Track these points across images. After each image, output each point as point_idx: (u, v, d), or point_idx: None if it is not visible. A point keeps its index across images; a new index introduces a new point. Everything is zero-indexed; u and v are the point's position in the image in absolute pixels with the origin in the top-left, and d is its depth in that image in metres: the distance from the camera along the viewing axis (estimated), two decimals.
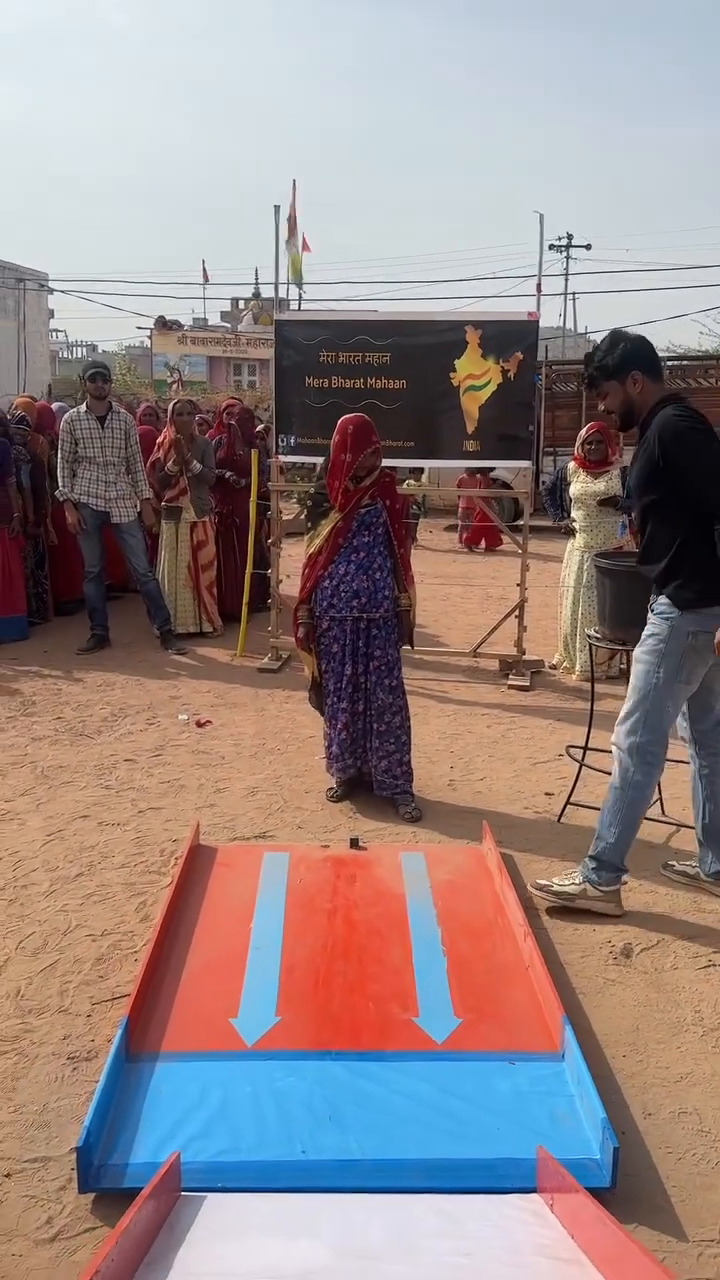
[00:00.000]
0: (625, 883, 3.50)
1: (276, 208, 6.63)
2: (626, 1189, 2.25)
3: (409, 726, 4.42)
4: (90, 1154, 2.21)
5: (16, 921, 3.39)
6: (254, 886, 3.56)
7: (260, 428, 8.80)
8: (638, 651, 3.35)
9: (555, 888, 3.48)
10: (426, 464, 10.34)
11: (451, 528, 14.21)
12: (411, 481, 12.71)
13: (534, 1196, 2.12)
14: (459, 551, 13.36)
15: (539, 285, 6.50)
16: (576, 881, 3.47)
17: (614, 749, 3.42)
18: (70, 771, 4.78)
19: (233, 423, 8.11)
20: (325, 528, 4.34)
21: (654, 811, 4.24)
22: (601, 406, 3.39)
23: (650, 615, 3.33)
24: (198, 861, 3.74)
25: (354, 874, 3.67)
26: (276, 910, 3.39)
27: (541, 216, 6.38)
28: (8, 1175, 2.27)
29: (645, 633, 3.33)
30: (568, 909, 3.46)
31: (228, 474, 7.62)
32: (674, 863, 3.77)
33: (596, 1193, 2.13)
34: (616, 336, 3.31)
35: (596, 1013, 2.92)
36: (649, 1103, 2.55)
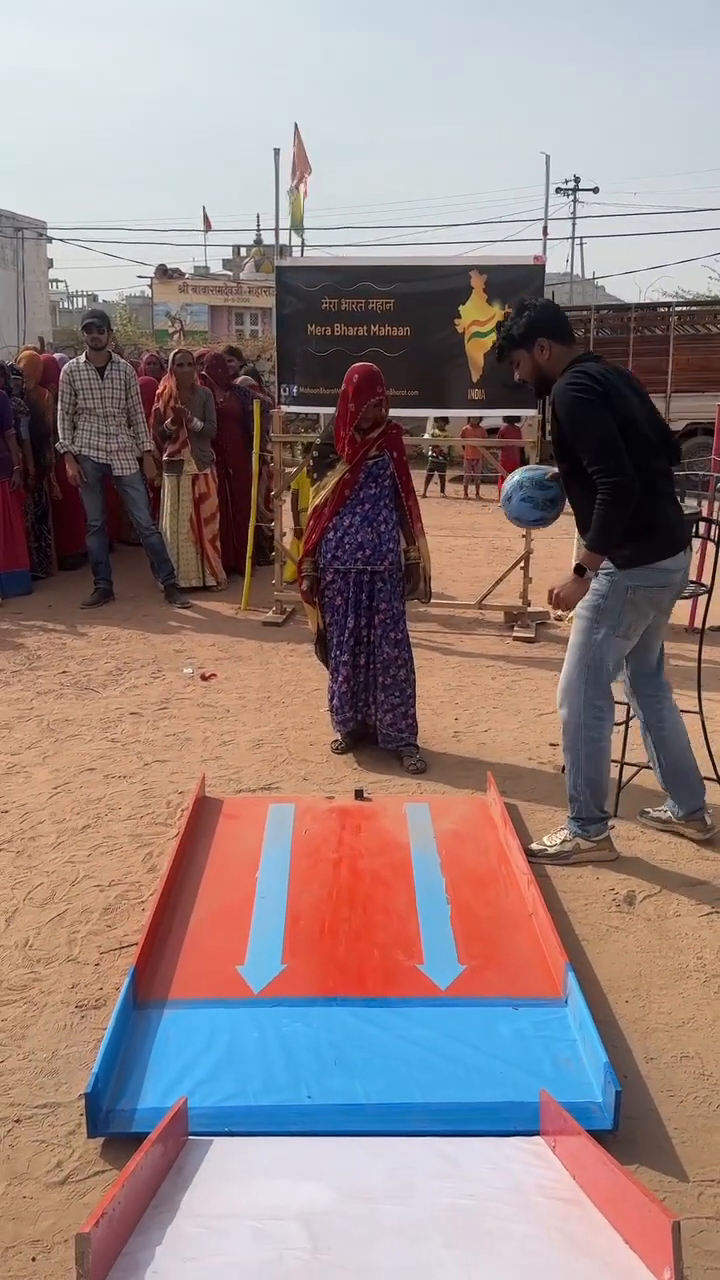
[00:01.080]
0: (613, 827, 3.56)
1: (276, 150, 6.49)
2: (628, 1131, 2.27)
3: (414, 679, 4.41)
4: (99, 1099, 2.24)
5: (24, 873, 3.42)
6: (259, 837, 3.58)
7: (240, 379, 8.60)
8: (579, 608, 3.34)
9: (550, 851, 3.50)
10: (437, 413, 10.17)
11: (458, 479, 14.12)
12: (436, 431, 12.53)
13: (536, 1139, 2.15)
14: (465, 500, 13.28)
15: (545, 228, 6.38)
16: (566, 839, 3.51)
17: (561, 709, 3.44)
18: (76, 725, 4.80)
19: (203, 372, 7.98)
20: (331, 479, 4.29)
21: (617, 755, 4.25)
22: (516, 376, 3.44)
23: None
24: (204, 813, 3.75)
25: (359, 824, 3.69)
26: (282, 860, 3.41)
27: (548, 157, 6.26)
28: (18, 1121, 2.30)
29: (589, 589, 3.36)
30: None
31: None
32: (649, 810, 3.81)
33: (598, 1135, 2.16)
34: (523, 305, 3.35)
35: (599, 959, 2.94)
36: (651, 1047, 2.57)
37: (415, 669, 4.43)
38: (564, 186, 37.60)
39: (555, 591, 3.31)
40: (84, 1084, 2.29)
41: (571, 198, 38.08)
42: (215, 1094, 2.32)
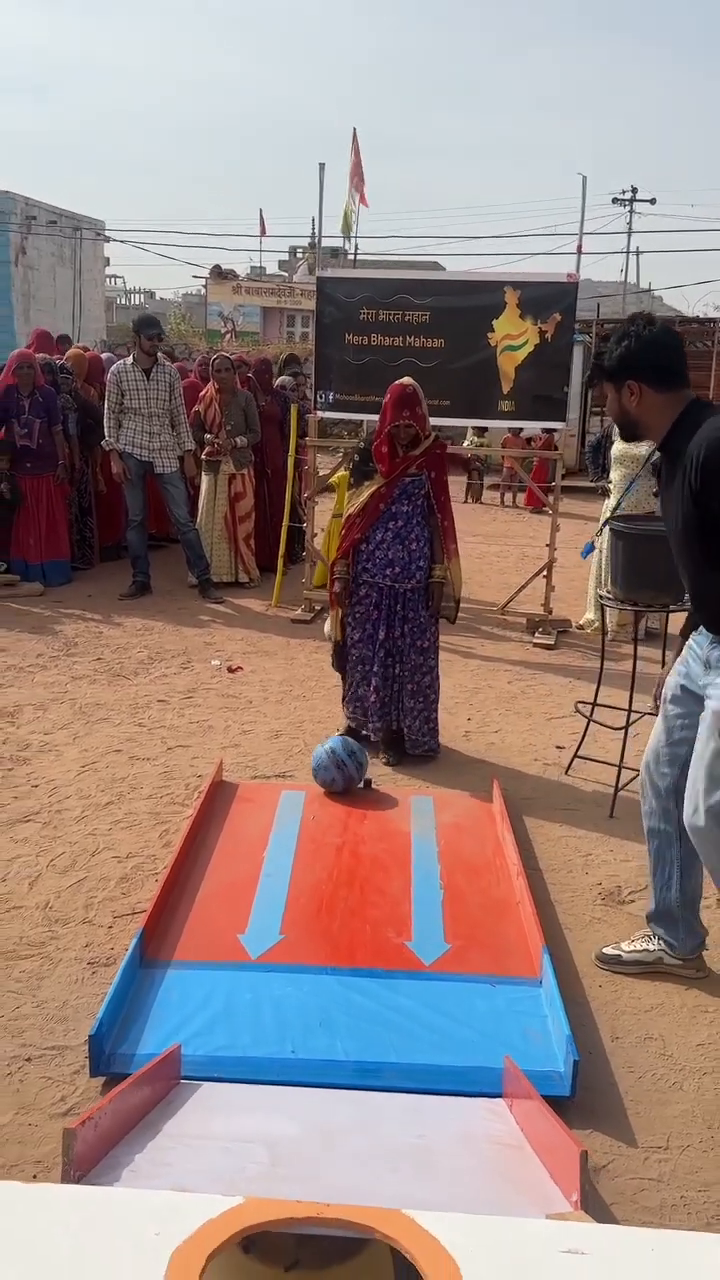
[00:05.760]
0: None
1: (321, 165, 6.71)
2: (587, 1101, 2.45)
3: (438, 686, 4.55)
4: (102, 1042, 2.47)
5: (50, 842, 3.66)
6: (270, 820, 3.79)
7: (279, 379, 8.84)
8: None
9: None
10: (474, 423, 10.30)
11: (495, 487, 14.27)
12: (475, 438, 12.69)
13: (498, 1100, 2.34)
14: (501, 507, 13.42)
15: (579, 246, 6.53)
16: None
17: (701, 826, 2.58)
18: (106, 709, 5.05)
19: (250, 375, 8.22)
20: (366, 491, 4.40)
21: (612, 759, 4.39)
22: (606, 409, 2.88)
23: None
24: (219, 795, 3.98)
25: (364, 813, 3.89)
26: (289, 842, 3.62)
27: (585, 179, 6.41)
28: (28, 1059, 2.53)
29: None
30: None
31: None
32: (610, 949, 3.03)
33: (558, 1101, 2.35)
34: (627, 329, 2.62)
35: (580, 947, 3.11)
36: (618, 1028, 2.74)
37: (439, 675, 4.59)
38: (620, 197, 37.50)
39: None
40: (90, 1030, 2.51)
41: (628, 208, 37.97)
42: (208, 1044, 2.53)
